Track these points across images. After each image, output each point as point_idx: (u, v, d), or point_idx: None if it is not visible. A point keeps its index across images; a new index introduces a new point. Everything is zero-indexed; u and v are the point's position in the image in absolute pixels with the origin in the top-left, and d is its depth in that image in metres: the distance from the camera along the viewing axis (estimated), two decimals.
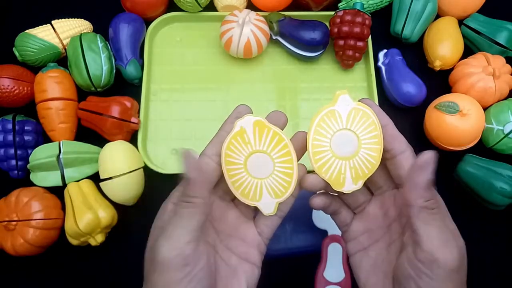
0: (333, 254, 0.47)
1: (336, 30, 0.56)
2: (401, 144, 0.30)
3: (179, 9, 0.60)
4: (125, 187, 0.49)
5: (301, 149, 0.32)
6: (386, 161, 0.31)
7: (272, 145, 0.31)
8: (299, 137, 0.32)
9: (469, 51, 0.59)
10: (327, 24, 0.58)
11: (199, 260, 0.29)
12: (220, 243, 0.32)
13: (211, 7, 0.60)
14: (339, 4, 0.60)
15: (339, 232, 0.49)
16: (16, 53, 0.55)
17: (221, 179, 0.32)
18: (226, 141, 0.30)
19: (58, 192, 0.51)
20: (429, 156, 0.27)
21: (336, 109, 0.31)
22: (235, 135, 0.30)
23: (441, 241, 0.27)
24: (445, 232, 0.28)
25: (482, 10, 0.59)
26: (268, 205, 0.32)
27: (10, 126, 0.50)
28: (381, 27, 0.61)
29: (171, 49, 0.60)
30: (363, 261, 0.33)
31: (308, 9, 0.61)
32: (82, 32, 0.57)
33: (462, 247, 0.29)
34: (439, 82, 0.58)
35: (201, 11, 0.60)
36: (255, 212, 0.34)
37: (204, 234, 0.31)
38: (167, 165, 0.53)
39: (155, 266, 0.28)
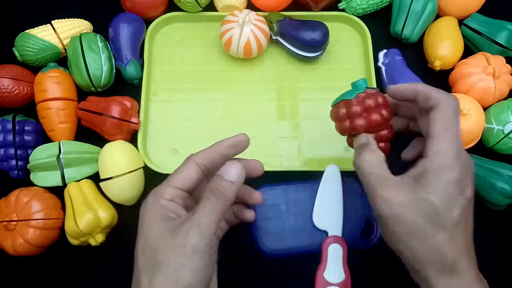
0: (334, 255, 0.47)
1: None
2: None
3: (179, 9, 0.60)
4: (125, 187, 0.49)
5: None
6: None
7: None
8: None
9: (469, 51, 0.59)
10: (327, 25, 0.57)
11: (216, 249, 0.34)
12: None
13: (211, 7, 0.60)
14: (339, 4, 0.60)
15: (339, 233, 0.49)
16: (16, 53, 0.55)
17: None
18: None
19: (58, 192, 0.51)
20: None
21: None
22: None
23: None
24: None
25: (482, 10, 0.59)
26: None
27: (10, 126, 0.50)
28: (381, 27, 0.61)
29: (171, 49, 0.60)
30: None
31: (308, 9, 0.61)
32: (82, 32, 0.57)
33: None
34: (439, 82, 0.58)
35: (201, 11, 0.60)
36: None
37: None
38: (167, 165, 0.53)
39: (185, 252, 0.32)
